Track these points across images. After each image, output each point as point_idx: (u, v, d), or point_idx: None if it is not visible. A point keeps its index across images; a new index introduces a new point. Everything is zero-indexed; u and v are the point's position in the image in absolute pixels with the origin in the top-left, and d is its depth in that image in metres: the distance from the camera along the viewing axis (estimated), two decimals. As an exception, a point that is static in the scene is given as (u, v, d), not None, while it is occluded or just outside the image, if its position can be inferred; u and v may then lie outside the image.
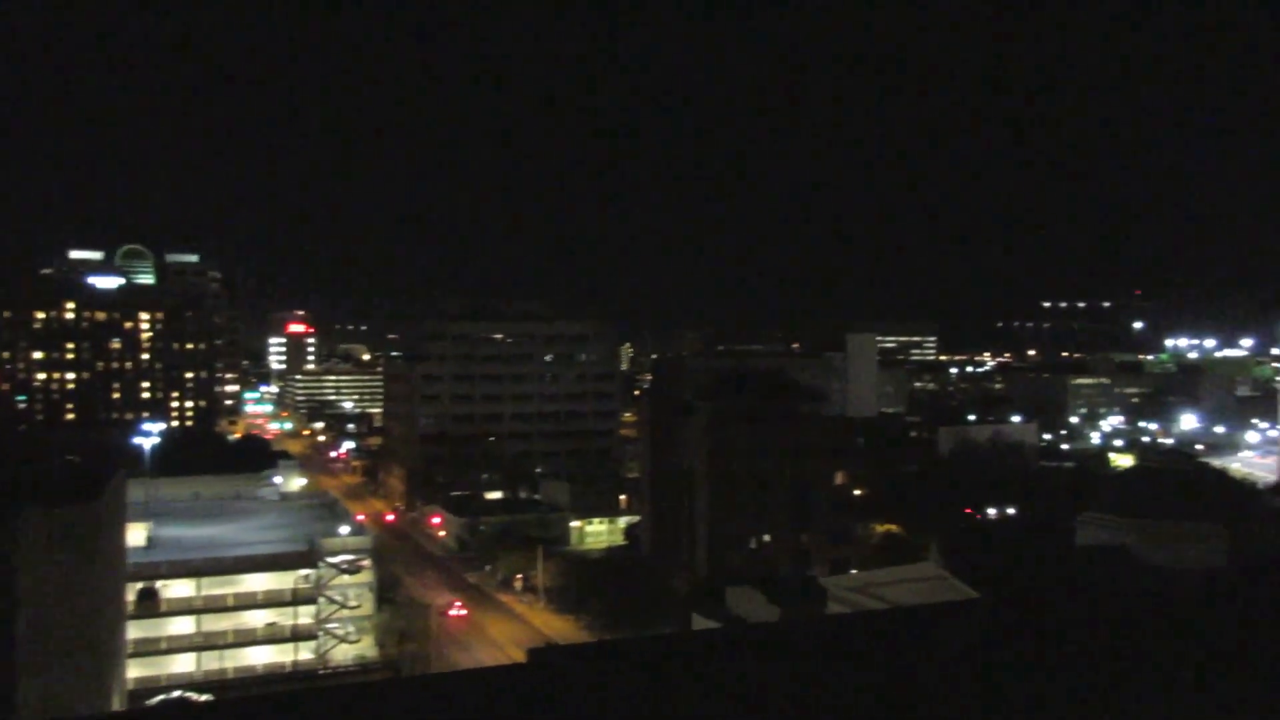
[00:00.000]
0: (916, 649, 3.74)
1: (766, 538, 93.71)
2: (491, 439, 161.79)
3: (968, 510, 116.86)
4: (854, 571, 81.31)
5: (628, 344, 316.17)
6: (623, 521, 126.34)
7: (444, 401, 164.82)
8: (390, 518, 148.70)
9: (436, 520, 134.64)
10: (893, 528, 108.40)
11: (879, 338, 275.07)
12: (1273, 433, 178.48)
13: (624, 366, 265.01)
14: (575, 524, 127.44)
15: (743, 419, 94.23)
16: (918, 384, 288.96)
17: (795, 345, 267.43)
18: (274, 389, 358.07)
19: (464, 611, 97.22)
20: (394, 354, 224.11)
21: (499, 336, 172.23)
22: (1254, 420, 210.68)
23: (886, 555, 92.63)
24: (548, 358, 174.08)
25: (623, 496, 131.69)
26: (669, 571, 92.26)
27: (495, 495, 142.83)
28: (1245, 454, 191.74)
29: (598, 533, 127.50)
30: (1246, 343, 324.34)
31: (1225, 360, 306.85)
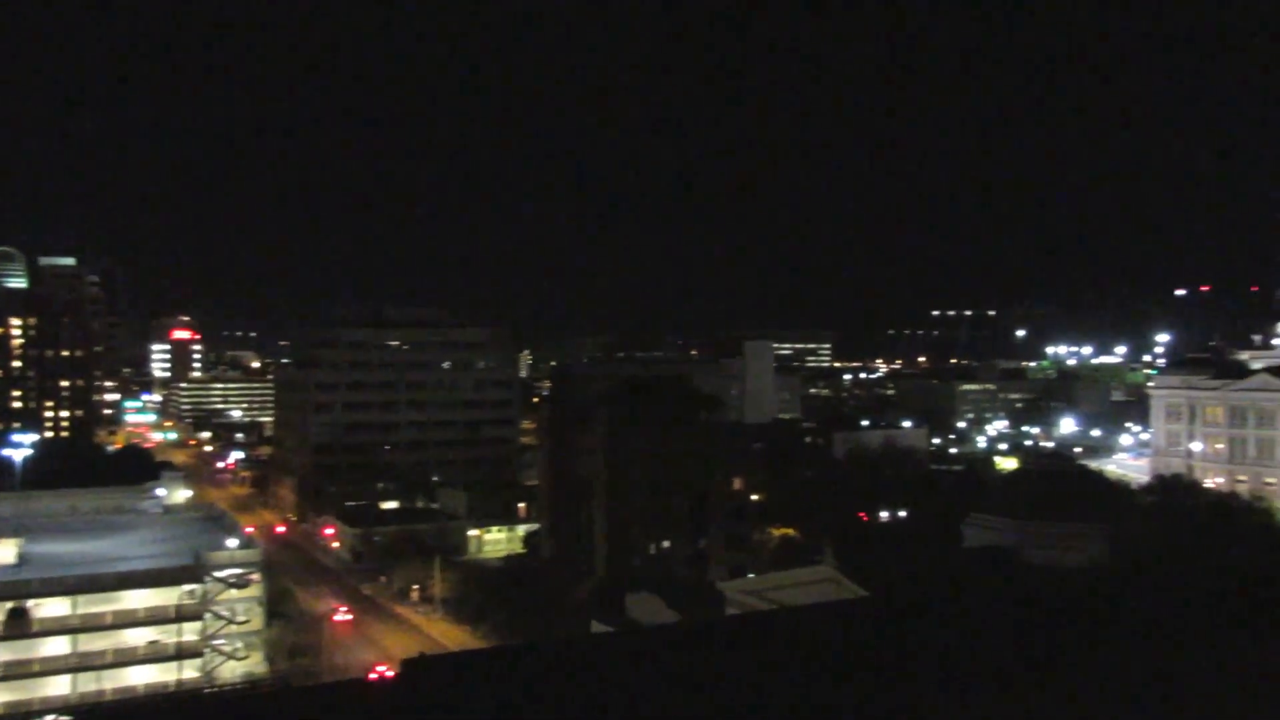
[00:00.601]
0: (806, 647, 3.70)
1: (666, 543, 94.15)
2: (387, 448, 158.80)
3: (861, 514, 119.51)
4: (751, 575, 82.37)
5: (526, 351, 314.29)
6: (522, 529, 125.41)
7: (337, 410, 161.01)
8: (281, 530, 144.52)
9: (330, 531, 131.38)
10: (789, 531, 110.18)
11: (776, 345, 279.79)
12: (1144, 435, 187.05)
13: (523, 373, 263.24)
14: (473, 533, 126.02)
15: (642, 425, 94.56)
16: (813, 390, 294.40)
17: (694, 352, 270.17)
18: (157, 398, 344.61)
19: (349, 616, 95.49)
20: (285, 361, 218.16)
21: (394, 343, 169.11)
22: (1127, 424, 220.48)
23: (783, 559, 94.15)
24: (445, 365, 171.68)
25: (522, 504, 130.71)
26: (568, 578, 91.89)
27: (391, 505, 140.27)
28: (1120, 456, 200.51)
29: (496, 541, 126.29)
30: (1120, 350, 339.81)
31: (1101, 367, 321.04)
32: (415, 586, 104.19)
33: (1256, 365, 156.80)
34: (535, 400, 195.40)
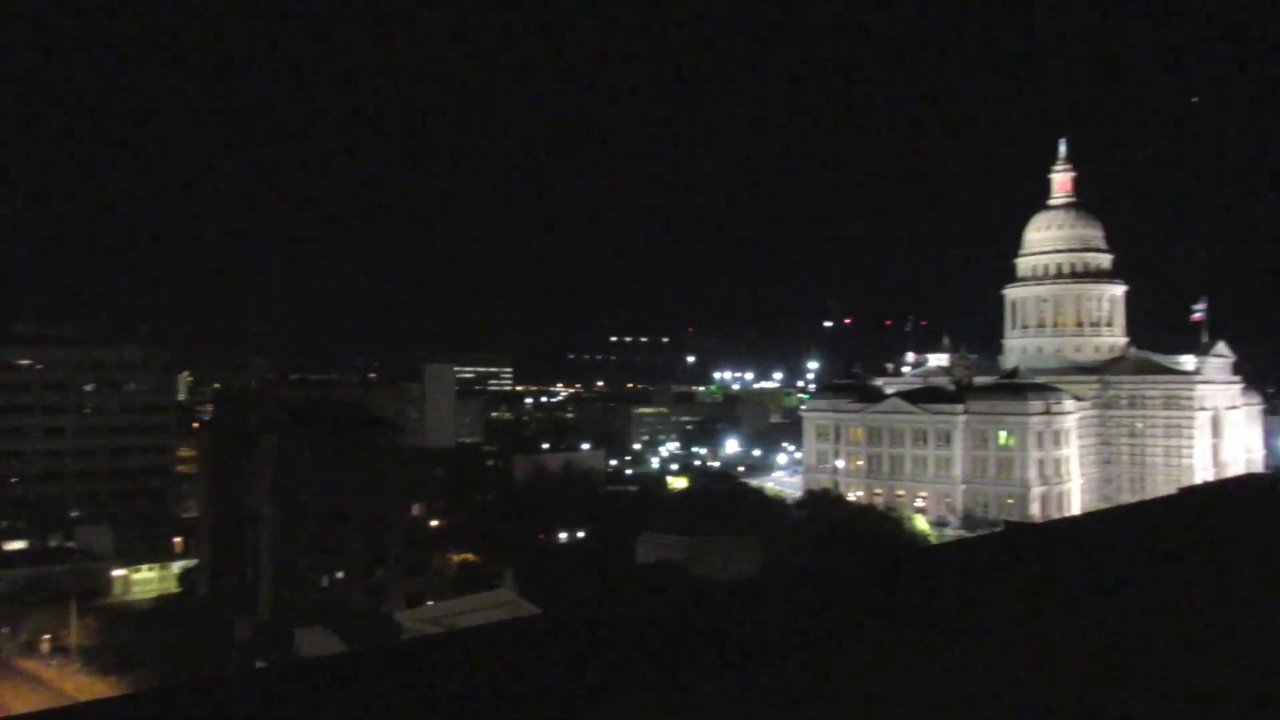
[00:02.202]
0: (483, 669, 3.35)
1: (340, 574, 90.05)
2: (14, 480, 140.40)
3: (541, 535, 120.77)
4: (430, 603, 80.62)
5: (186, 372, 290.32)
6: (177, 566, 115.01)
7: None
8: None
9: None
10: (470, 557, 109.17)
11: (457, 368, 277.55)
12: (798, 454, 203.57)
13: (182, 396, 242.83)
14: (119, 573, 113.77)
15: (314, 451, 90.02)
16: (495, 414, 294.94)
17: (372, 375, 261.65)
18: None
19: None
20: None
21: (25, 363, 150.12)
22: (784, 443, 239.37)
23: (463, 584, 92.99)
24: (88, 388, 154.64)
25: (178, 539, 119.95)
26: (230, 617, 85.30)
27: (18, 545, 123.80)
28: (777, 474, 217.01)
29: (147, 580, 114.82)
30: (778, 376, 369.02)
31: (761, 391, 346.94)
32: (46, 637, 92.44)
33: (890, 390, 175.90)
34: (196, 425, 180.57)
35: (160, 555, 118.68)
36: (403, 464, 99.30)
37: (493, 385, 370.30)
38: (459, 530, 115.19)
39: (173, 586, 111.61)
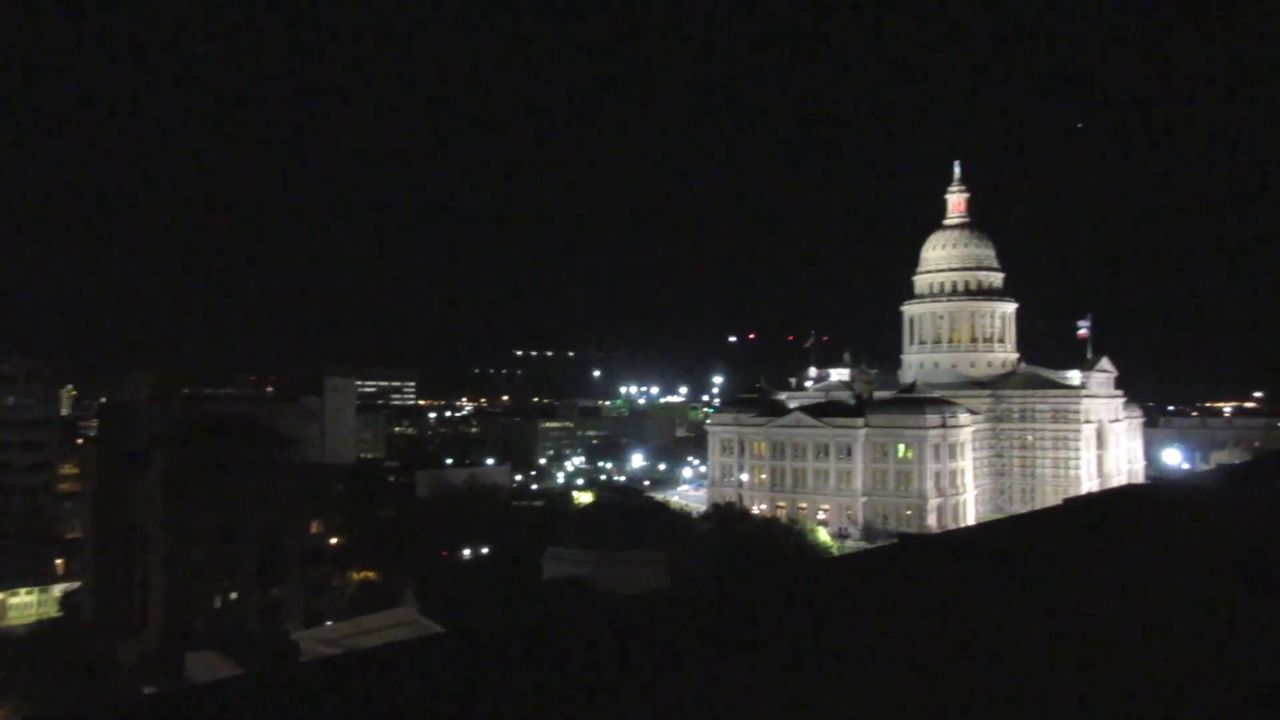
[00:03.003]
0: (380, 689, 3.29)
1: (234, 595, 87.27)
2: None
3: (444, 552, 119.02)
4: (329, 623, 78.68)
5: (70, 385, 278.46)
6: (58, 589, 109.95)
7: None
8: None
9: None
10: (371, 575, 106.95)
11: (359, 382, 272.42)
12: (703, 468, 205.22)
13: (65, 411, 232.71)
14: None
15: (207, 468, 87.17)
16: (398, 429, 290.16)
17: (269, 389, 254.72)
18: None
19: None
20: None
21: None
22: (690, 457, 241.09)
23: (363, 603, 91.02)
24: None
25: (60, 560, 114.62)
26: (115, 641, 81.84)
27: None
28: (683, 487, 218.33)
29: (24, 605, 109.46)
30: (683, 390, 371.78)
31: (667, 405, 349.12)
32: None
33: (793, 404, 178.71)
34: (80, 441, 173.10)
35: (41, 577, 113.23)
36: (300, 480, 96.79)
37: (395, 399, 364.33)
38: (359, 548, 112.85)
39: (54, 610, 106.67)
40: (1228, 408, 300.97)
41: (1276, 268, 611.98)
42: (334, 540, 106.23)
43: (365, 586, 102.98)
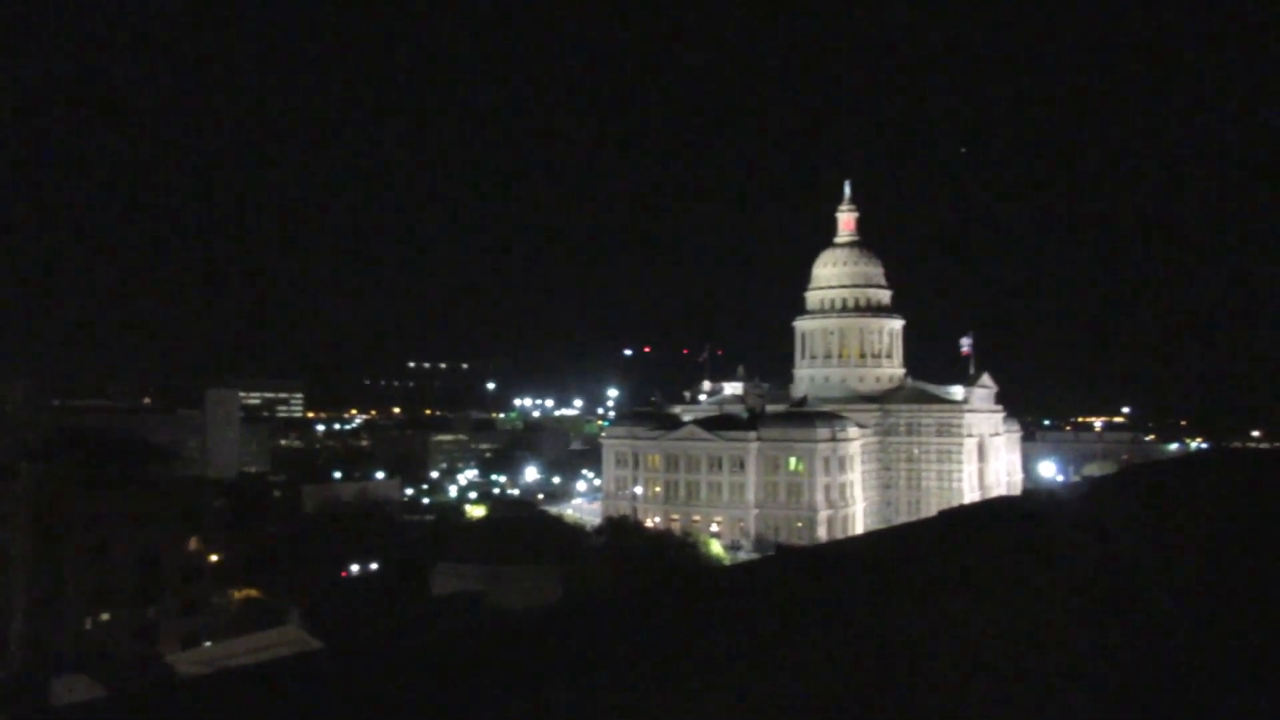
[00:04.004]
0: (257, 708, 3.22)
1: (105, 616, 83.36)
2: None
3: (338, 570, 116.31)
4: (208, 644, 76.01)
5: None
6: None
7: None
8: None
9: None
10: (253, 593, 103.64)
11: (243, 394, 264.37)
12: (598, 481, 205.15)
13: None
14: None
15: (78, 483, 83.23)
16: (284, 442, 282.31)
17: (147, 400, 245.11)
18: None
19: None
20: None
21: None
22: (584, 470, 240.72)
23: (246, 622, 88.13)
24: None
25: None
26: (-26, 668, 77.26)
27: None
28: (577, 501, 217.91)
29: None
30: (578, 403, 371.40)
31: (562, 418, 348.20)
32: None
33: (687, 418, 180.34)
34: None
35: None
36: (178, 496, 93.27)
37: (282, 411, 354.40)
38: (242, 565, 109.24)
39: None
40: (1099, 422, 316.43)
41: (1146, 290, 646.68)
42: (214, 558, 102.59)
43: (248, 605, 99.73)
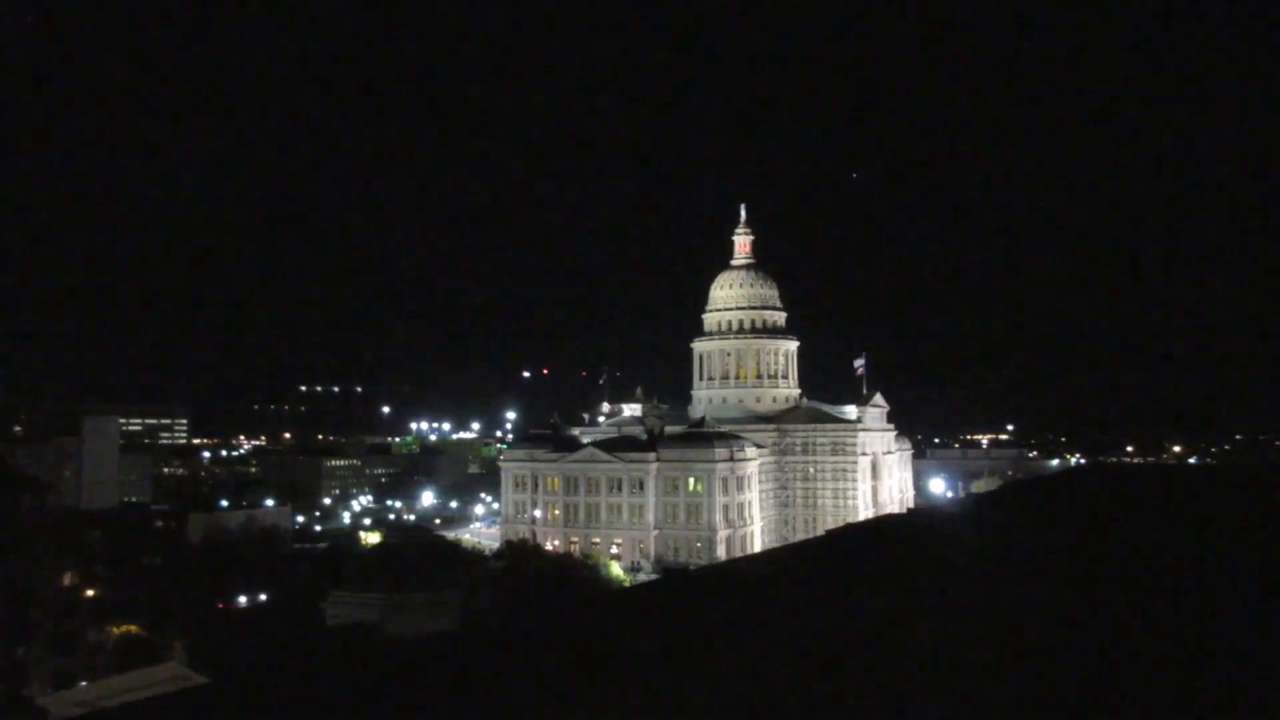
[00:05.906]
0: None
1: (-30, 657, 78.70)
2: None
3: (219, 601, 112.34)
4: (84, 684, 72.51)
5: None
6: None
7: None
8: None
9: None
10: (133, 628, 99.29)
11: (123, 420, 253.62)
12: (496, 505, 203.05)
13: None
14: None
15: (-59, 516, 78.66)
16: (167, 470, 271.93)
17: (17, 429, 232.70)
18: None
19: None
20: None
21: None
22: (482, 494, 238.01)
23: (126, 660, 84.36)
24: None
25: None
26: None
27: None
28: (475, 525, 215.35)
29: None
30: (476, 426, 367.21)
31: (459, 442, 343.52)
32: None
33: (587, 440, 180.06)
34: None
35: None
36: (52, 528, 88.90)
37: (165, 438, 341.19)
38: (121, 599, 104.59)
39: None
40: (985, 440, 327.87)
41: (1030, 312, 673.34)
42: (91, 592, 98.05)
43: (128, 642, 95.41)
